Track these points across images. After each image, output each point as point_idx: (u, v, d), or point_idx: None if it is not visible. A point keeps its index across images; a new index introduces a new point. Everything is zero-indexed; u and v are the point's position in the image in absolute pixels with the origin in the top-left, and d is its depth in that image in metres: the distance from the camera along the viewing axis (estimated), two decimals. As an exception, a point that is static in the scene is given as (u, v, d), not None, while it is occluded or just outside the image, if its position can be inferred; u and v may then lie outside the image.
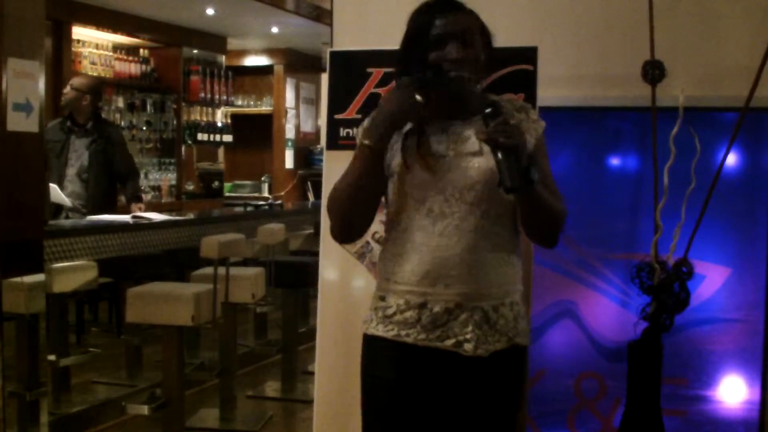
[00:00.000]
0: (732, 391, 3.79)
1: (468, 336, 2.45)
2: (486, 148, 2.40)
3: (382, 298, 2.57)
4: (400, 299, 2.51)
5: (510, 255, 2.55)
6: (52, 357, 5.48)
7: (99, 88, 7.24)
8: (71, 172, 6.85)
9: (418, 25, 2.55)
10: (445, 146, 2.51)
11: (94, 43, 9.88)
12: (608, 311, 3.85)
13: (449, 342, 2.46)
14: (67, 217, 6.50)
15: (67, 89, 6.96)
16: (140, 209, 6.83)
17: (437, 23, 2.50)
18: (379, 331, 2.54)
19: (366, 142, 2.45)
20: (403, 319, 2.50)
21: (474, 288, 2.46)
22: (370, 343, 2.59)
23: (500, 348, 2.50)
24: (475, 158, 2.48)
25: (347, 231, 2.64)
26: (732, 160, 3.63)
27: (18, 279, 4.59)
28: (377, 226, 3.50)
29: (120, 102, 10.19)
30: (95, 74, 9.61)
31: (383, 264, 2.61)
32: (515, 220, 2.57)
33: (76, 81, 7.05)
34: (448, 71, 2.45)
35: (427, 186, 2.48)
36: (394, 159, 2.52)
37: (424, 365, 2.51)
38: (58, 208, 6.58)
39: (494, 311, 2.49)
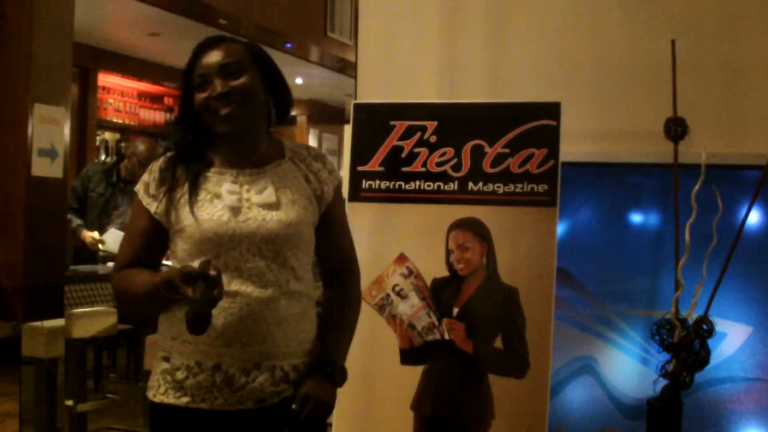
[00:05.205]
0: (753, 452, 3.75)
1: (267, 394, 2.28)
2: (283, 199, 2.31)
3: (167, 359, 2.34)
4: (189, 360, 2.29)
5: (311, 309, 2.39)
6: (69, 402, 5.46)
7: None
8: (111, 228, 6.86)
9: (186, 69, 2.35)
10: (238, 197, 2.29)
11: (119, 91, 9.98)
12: (628, 368, 3.83)
13: (249, 403, 2.26)
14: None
15: (133, 161, 6.88)
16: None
17: (200, 62, 2.32)
18: (170, 398, 2.29)
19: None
20: (196, 383, 2.27)
21: (273, 346, 2.27)
22: (158, 411, 2.33)
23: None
24: (273, 211, 2.29)
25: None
26: (754, 217, 3.62)
27: (38, 323, 4.61)
28: (398, 279, 3.52)
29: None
30: (119, 121, 9.70)
31: (167, 321, 2.36)
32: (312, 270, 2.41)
33: (140, 152, 6.93)
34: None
35: (220, 240, 2.25)
36: (181, 217, 2.30)
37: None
38: (92, 254, 6.62)
39: (294, 371, 2.31)
